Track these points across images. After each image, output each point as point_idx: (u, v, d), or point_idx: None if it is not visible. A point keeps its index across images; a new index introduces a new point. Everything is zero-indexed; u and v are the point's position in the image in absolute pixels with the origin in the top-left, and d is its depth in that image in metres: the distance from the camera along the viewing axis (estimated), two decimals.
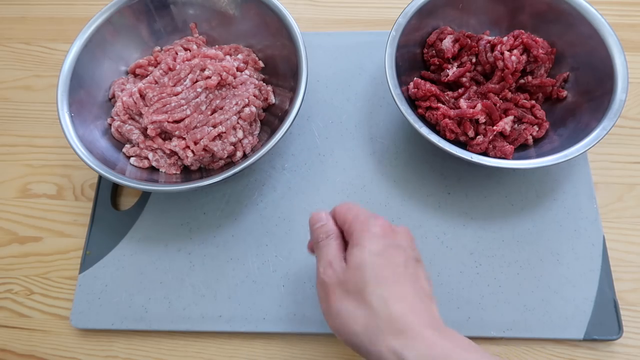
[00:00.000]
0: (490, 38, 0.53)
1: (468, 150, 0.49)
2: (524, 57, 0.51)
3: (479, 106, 0.49)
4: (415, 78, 0.53)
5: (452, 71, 0.53)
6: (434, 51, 0.55)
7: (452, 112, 0.50)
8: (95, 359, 0.49)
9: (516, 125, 0.52)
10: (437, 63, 0.54)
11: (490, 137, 0.50)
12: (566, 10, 0.52)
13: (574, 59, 0.53)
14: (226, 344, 0.49)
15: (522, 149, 0.52)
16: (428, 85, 0.52)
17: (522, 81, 0.53)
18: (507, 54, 0.51)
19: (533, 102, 0.52)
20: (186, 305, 0.50)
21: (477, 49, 0.53)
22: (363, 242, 0.36)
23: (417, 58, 0.56)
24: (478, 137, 0.50)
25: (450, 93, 0.53)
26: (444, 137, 0.50)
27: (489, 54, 0.52)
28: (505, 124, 0.50)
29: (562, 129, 0.51)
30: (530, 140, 0.51)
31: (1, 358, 0.50)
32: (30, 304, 0.52)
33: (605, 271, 0.49)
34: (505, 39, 0.52)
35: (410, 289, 0.35)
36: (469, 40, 0.54)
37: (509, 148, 0.49)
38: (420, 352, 0.32)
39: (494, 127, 0.50)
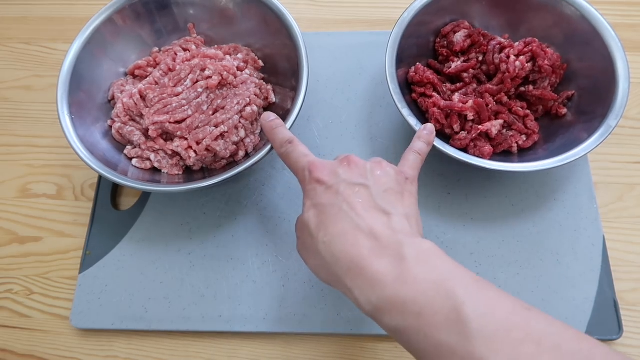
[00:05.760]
0: (502, 40, 0.53)
1: (450, 144, 0.49)
2: (530, 65, 0.51)
3: (470, 102, 0.50)
4: (417, 63, 0.53)
5: (455, 64, 0.53)
6: (445, 42, 0.55)
7: (442, 103, 0.50)
8: (95, 359, 0.49)
9: (504, 131, 0.51)
10: (445, 54, 0.54)
11: (474, 135, 0.49)
12: (586, 30, 0.51)
13: (584, 80, 0.52)
14: (226, 344, 0.49)
15: (504, 155, 0.51)
16: (428, 72, 0.52)
17: (522, 89, 0.52)
18: (512, 58, 0.51)
19: (528, 112, 0.52)
20: (186, 305, 0.50)
21: (486, 48, 0.53)
22: (304, 199, 0.39)
23: (428, 46, 0.56)
24: (462, 132, 0.50)
25: (448, 85, 0.53)
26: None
27: (496, 55, 0.52)
28: (493, 126, 0.50)
29: (550, 144, 0.51)
30: (515, 149, 0.51)
31: (1, 358, 0.50)
32: (30, 304, 0.52)
33: (605, 271, 0.49)
34: (517, 44, 0.52)
35: (349, 223, 0.35)
36: (482, 39, 0.53)
37: (488, 149, 0.49)
38: (364, 291, 0.32)
39: (480, 127, 0.49)
